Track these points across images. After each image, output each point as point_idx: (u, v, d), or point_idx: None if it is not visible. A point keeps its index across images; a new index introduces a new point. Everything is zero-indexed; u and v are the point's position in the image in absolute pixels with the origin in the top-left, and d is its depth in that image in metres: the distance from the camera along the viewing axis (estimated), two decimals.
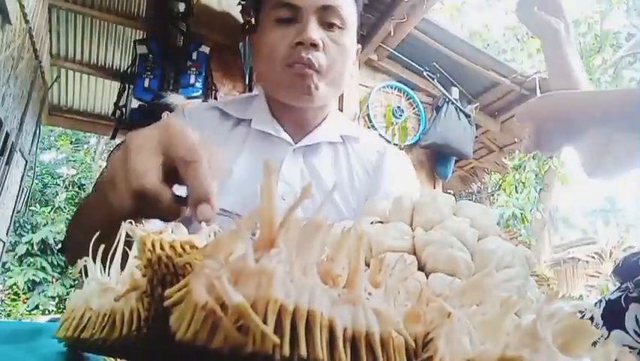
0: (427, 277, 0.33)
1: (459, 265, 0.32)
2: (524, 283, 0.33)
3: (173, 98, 2.82)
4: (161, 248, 0.26)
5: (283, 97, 0.88)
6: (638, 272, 0.84)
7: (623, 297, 0.83)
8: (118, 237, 0.35)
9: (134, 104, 2.99)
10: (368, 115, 3.54)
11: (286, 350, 0.18)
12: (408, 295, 0.22)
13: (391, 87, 3.77)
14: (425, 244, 0.34)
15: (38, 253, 9.08)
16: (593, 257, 8.96)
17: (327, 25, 0.84)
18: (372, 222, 0.40)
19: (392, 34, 3.22)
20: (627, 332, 0.80)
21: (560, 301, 0.19)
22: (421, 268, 0.34)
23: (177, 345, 0.19)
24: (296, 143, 0.92)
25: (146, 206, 0.44)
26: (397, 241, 0.35)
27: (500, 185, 6.32)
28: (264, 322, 0.18)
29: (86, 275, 0.33)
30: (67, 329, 0.32)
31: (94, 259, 0.35)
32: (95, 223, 0.62)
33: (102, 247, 0.37)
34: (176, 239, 0.27)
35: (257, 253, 0.20)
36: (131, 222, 0.33)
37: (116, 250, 0.34)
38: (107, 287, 0.32)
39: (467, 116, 3.74)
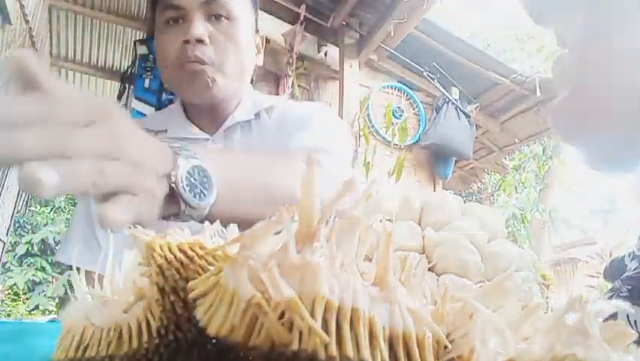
0: (437, 278, 0.33)
1: (469, 266, 0.32)
2: (531, 287, 0.33)
3: None
4: (171, 252, 0.25)
5: (185, 97, 0.90)
6: (624, 269, 0.85)
7: (614, 298, 0.84)
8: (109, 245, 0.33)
9: (135, 104, 2.99)
10: (368, 115, 3.54)
11: (334, 349, 0.18)
12: (428, 295, 0.22)
13: (391, 87, 3.77)
14: (436, 244, 0.34)
15: (38, 253, 9.06)
16: (593, 257, 8.95)
17: (215, 18, 0.85)
18: (380, 220, 0.40)
19: (392, 34, 3.22)
20: None
21: (601, 301, 0.19)
22: (430, 269, 0.34)
23: (200, 346, 0.18)
24: (213, 134, 0.93)
25: None
26: (408, 240, 0.35)
27: (500, 185, 6.31)
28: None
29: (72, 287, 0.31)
30: (67, 349, 0.30)
31: (77, 270, 0.33)
32: None
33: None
34: (183, 241, 0.26)
35: (297, 247, 0.19)
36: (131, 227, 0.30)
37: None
38: (107, 300, 0.30)
39: (467, 116, 3.74)
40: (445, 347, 0.20)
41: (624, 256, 0.91)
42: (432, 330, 0.20)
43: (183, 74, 0.84)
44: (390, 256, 0.20)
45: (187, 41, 0.83)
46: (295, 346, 0.17)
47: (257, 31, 0.97)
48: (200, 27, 0.83)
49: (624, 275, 0.85)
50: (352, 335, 0.18)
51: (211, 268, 0.25)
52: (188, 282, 0.23)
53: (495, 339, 0.19)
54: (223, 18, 0.86)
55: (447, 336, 0.20)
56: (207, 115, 0.94)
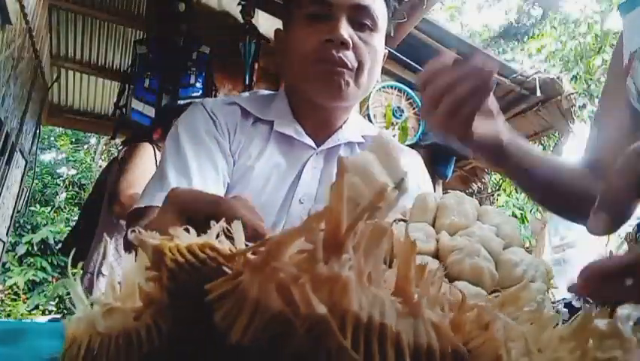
0: (450, 284, 0.32)
1: (484, 274, 0.32)
2: (544, 298, 0.33)
3: None
4: (181, 255, 0.25)
5: (313, 93, 0.86)
6: None
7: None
8: (103, 250, 0.32)
9: (135, 104, 2.98)
10: (368, 115, 3.54)
11: None
12: (446, 304, 0.21)
13: (391, 87, 3.77)
14: (450, 249, 0.33)
15: (38, 253, 9.04)
16: (593, 258, 8.95)
17: (358, 25, 0.84)
18: (395, 220, 0.39)
19: (392, 34, 3.22)
20: None
21: (630, 306, 0.19)
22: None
23: (211, 351, 0.18)
24: (318, 146, 0.90)
25: None
26: (422, 244, 0.34)
27: (500, 185, 6.31)
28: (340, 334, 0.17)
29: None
30: (74, 359, 0.29)
31: (73, 272, 0.32)
32: None
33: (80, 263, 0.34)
34: (191, 243, 0.25)
35: (324, 257, 0.19)
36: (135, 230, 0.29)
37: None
38: (112, 307, 0.29)
39: None
40: (464, 359, 0.19)
41: None
42: (453, 345, 0.19)
43: (320, 71, 0.82)
44: (413, 265, 0.19)
45: (330, 41, 0.80)
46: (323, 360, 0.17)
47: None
48: (346, 30, 0.81)
49: None
50: (380, 353, 0.18)
51: (224, 269, 0.24)
52: (199, 285, 0.23)
53: (515, 348, 0.19)
54: (367, 27, 0.84)
55: (464, 346, 0.20)
56: (317, 118, 0.91)
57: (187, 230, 0.33)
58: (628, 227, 1.00)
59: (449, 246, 0.34)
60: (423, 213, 0.39)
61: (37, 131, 4.88)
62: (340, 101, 0.86)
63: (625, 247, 0.96)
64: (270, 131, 0.90)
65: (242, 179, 0.85)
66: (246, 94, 1.00)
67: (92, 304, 0.30)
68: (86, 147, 12.25)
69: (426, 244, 0.35)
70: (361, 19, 0.84)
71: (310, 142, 0.90)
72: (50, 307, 8.71)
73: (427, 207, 0.39)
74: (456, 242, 0.34)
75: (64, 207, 10.24)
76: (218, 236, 0.33)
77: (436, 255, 0.35)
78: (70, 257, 0.37)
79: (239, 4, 3.08)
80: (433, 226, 0.38)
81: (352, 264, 0.18)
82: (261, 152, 0.87)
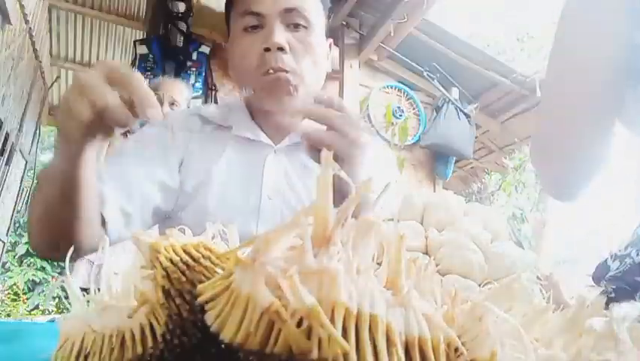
0: (441, 278, 0.32)
1: (473, 267, 0.32)
2: (533, 288, 0.33)
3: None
4: (176, 254, 0.24)
5: (264, 104, 0.89)
6: (608, 270, 0.87)
7: None
8: (100, 253, 0.33)
9: None
10: (368, 115, 3.54)
11: (354, 357, 0.17)
12: (438, 297, 0.21)
13: (391, 87, 3.77)
14: (439, 244, 0.34)
15: None
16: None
17: (293, 27, 0.86)
18: (383, 220, 0.39)
19: (392, 34, 3.22)
20: None
21: (627, 305, 0.19)
22: None
23: (204, 350, 0.18)
24: (277, 144, 0.93)
25: (99, 116, 0.53)
26: (411, 241, 0.35)
27: (500, 185, 6.31)
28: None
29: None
30: (66, 357, 0.29)
31: (70, 263, 0.32)
32: (56, 178, 0.68)
33: (80, 260, 0.35)
34: (187, 243, 0.25)
35: (313, 250, 0.19)
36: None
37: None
38: (106, 305, 0.29)
39: (467, 116, 3.74)
40: (456, 350, 0.19)
41: (607, 259, 0.93)
42: (446, 335, 0.19)
43: (265, 82, 0.84)
44: (403, 259, 0.20)
45: (268, 49, 0.83)
46: (315, 354, 0.17)
47: (326, 36, 0.97)
48: (281, 35, 0.83)
49: (608, 276, 0.87)
50: (370, 342, 0.18)
51: (217, 269, 0.24)
52: (193, 284, 0.23)
53: (509, 342, 0.19)
54: (301, 27, 0.86)
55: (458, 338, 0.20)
56: (274, 122, 0.94)
57: None
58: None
59: (438, 241, 0.34)
60: (411, 212, 0.39)
61: (37, 132, 4.88)
62: (293, 106, 0.88)
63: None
64: (229, 135, 0.93)
65: (202, 183, 0.88)
66: (211, 105, 1.04)
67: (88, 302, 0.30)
68: None
69: (415, 241, 0.35)
70: (294, 21, 0.86)
71: (268, 141, 0.93)
72: (50, 307, 8.71)
73: (414, 206, 0.39)
74: (445, 237, 0.34)
75: None
76: (213, 238, 0.33)
77: (426, 251, 0.35)
78: (68, 256, 0.37)
79: None
80: (422, 224, 0.38)
81: (341, 257, 0.18)
82: (220, 155, 0.90)
